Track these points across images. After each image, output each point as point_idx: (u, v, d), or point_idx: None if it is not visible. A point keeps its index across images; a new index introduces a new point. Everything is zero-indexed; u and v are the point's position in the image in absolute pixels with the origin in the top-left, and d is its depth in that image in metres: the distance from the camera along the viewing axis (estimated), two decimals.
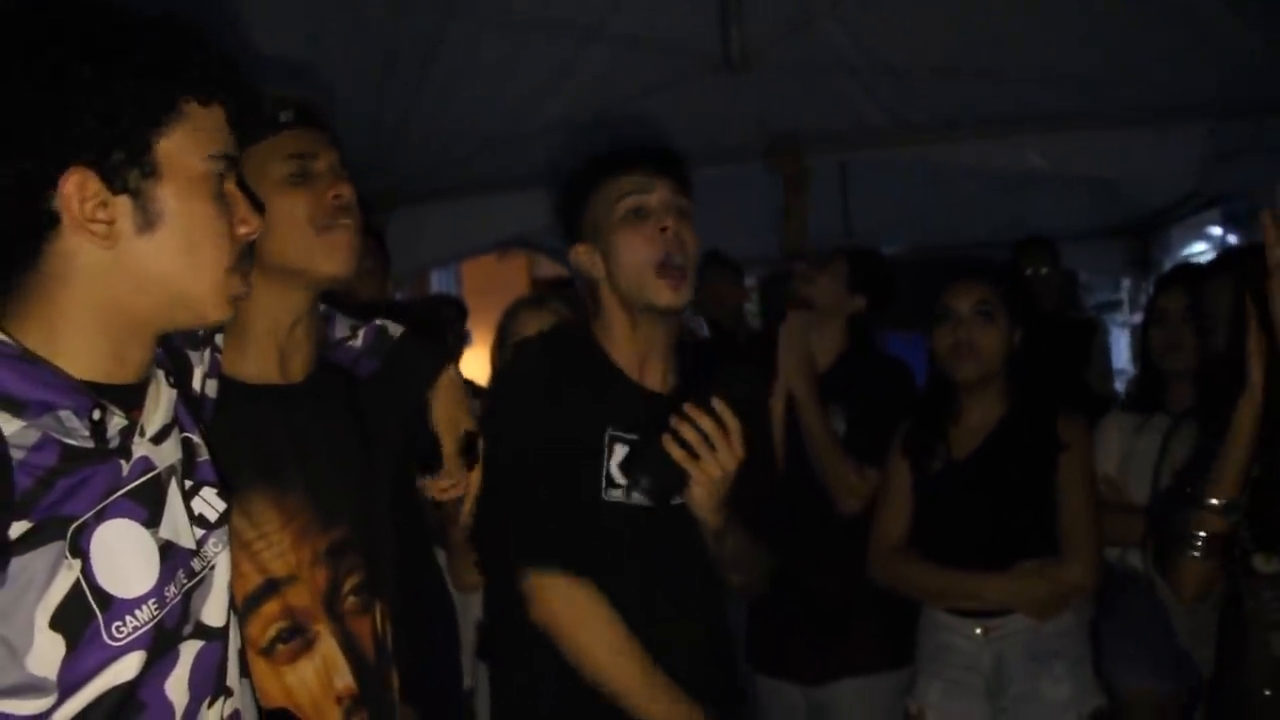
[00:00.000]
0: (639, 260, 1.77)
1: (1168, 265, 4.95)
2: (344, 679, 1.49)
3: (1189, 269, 2.95)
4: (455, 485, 1.72)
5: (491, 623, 1.94)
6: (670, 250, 1.76)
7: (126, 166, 1.00)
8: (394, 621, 1.58)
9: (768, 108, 3.79)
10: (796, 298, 2.75)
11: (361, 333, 1.69)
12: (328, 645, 1.48)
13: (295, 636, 1.46)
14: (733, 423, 1.68)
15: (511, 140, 3.89)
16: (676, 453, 1.68)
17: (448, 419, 1.76)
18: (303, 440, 1.50)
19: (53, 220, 0.99)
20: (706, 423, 1.67)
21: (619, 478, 1.77)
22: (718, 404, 1.68)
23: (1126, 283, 5.97)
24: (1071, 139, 3.88)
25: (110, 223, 1.00)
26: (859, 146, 4.05)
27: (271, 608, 1.44)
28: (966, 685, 2.38)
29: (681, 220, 1.79)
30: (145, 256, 1.02)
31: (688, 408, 1.69)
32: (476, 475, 1.74)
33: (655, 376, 1.86)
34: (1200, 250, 5.38)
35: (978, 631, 2.36)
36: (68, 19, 0.99)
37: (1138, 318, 6.24)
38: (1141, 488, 2.49)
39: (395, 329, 1.74)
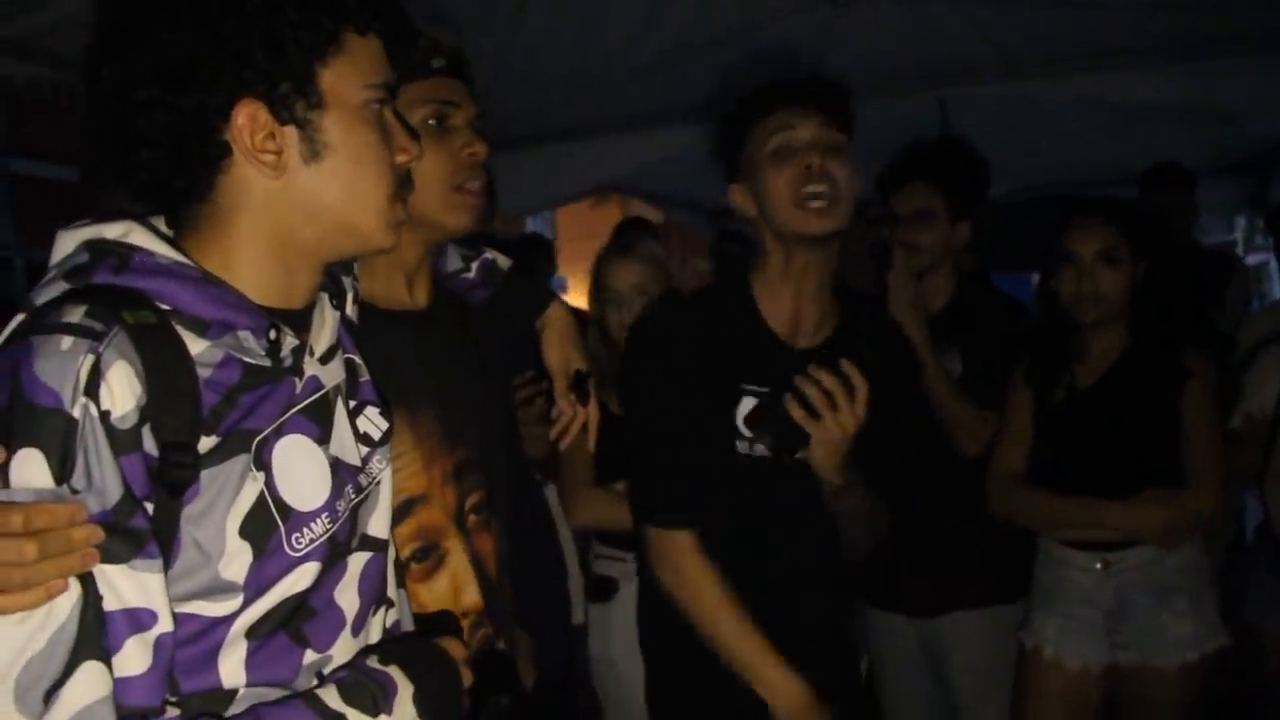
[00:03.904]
0: (782, 194, 1.76)
1: None
2: (471, 594, 1.54)
3: None
4: (570, 421, 1.75)
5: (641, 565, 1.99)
6: (813, 184, 1.73)
7: (293, 97, 1.03)
8: (508, 541, 1.62)
9: (869, 43, 3.71)
10: (901, 243, 2.67)
11: (475, 265, 1.73)
12: (458, 561, 1.53)
13: (429, 555, 1.51)
14: (860, 384, 1.68)
15: (606, 85, 3.87)
16: (797, 412, 1.69)
17: (559, 357, 1.79)
18: (432, 363, 1.54)
19: (225, 151, 1.02)
20: (830, 383, 1.68)
21: (744, 430, 1.79)
22: (846, 365, 1.69)
23: (1241, 221, 5.72)
24: (1187, 69, 3.71)
25: (279, 153, 1.03)
26: (962, 83, 3.94)
27: (407, 528, 1.48)
28: (1085, 620, 2.33)
29: (829, 155, 1.75)
30: (312, 186, 1.05)
31: (811, 368, 1.70)
32: (594, 409, 1.77)
33: (809, 326, 1.84)
34: None
35: (1098, 565, 2.31)
36: None
37: (1253, 258, 5.99)
38: None
39: (504, 262, 1.78)
